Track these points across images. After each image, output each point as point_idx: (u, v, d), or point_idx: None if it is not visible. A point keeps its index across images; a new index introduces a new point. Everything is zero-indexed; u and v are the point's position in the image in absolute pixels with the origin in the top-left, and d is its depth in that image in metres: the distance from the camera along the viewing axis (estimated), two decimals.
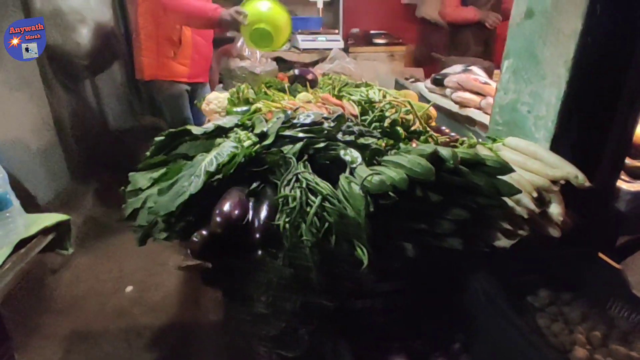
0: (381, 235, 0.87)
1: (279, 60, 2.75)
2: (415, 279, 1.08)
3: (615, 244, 1.31)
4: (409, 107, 1.42)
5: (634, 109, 1.16)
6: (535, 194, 0.99)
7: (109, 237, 2.33)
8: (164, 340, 1.77)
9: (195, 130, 1.23)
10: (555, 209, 1.00)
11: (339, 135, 1.12)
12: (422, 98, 2.48)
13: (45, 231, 1.28)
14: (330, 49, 2.63)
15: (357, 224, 0.79)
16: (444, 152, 0.89)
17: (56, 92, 2.43)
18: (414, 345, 1.03)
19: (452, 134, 1.55)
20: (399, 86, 3.06)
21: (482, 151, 1.19)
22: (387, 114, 1.37)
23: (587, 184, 1.00)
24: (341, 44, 2.89)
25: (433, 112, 1.68)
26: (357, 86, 1.91)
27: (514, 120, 1.30)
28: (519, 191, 0.92)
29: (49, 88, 2.36)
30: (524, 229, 1.00)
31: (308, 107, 1.44)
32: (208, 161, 1.03)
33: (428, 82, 2.49)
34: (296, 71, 2.04)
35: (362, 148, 1.09)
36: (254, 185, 1.01)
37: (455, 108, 2.08)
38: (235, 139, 1.14)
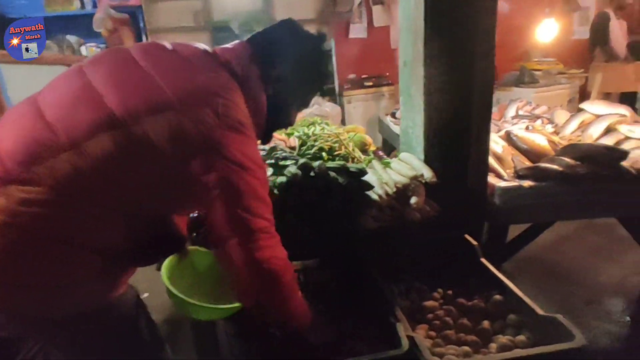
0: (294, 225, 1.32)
1: None
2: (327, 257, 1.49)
3: (483, 228, 1.64)
4: (336, 138, 1.88)
5: (484, 123, 1.55)
6: (394, 189, 1.39)
7: None
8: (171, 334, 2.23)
9: None
10: (413, 200, 1.39)
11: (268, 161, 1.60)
12: (390, 129, 2.95)
13: None
14: None
15: None
16: (315, 163, 1.34)
17: None
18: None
19: (384, 156, 1.98)
20: (381, 122, 3.53)
21: (375, 164, 1.62)
22: (316, 144, 1.83)
23: (434, 180, 1.39)
24: None
25: (368, 139, 2.12)
26: (311, 124, 2.39)
27: (408, 139, 1.72)
28: (372, 186, 1.34)
29: None
30: (388, 214, 1.39)
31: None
32: None
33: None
34: None
35: (282, 168, 1.55)
36: None
37: None
38: None
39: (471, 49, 1.43)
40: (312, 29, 1.05)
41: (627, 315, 1.99)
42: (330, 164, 1.39)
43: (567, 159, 1.64)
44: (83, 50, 3.98)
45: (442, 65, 1.46)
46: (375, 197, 1.39)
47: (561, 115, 2.50)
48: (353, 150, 1.94)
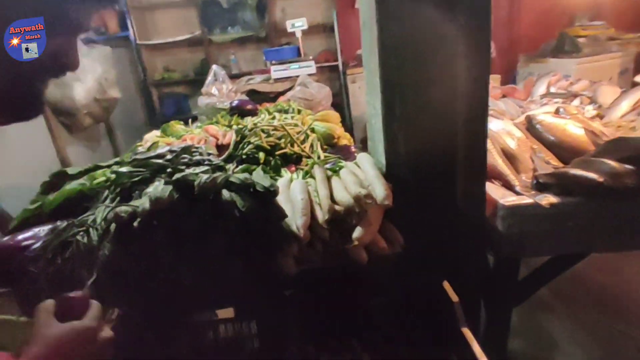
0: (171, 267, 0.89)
1: (252, 92, 2.86)
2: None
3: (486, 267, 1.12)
4: (282, 132, 1.40)
5: (477, 104, 1.01)
6: (327, 216, 0.91)
7: None
8: None
9: (71, 170, 1.35)
10: (356, 233, 0.91)
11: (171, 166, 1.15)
12: None
13: None
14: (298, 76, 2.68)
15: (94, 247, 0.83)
16: (203, 178, 0.88)
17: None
18: None
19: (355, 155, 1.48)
20: None
21: (317, 172, 1.13)
22: (253, 140, 1.36)
23: (386, 202, 0.90)
24: (312, 70, 2.93)
25: (337, 131, 1.62)
26: (281, 111, 1.92)
27: (371, 133, 1.21)
28: (285, 215, 0.87)
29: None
30: (318, 253, 0.92)
31: (193, 139, 1.50)
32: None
33: None
34: (234, 102, 2.11)
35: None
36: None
37: None
38: (90, 177, 1.24)
39: None
40: None
41: None
42: (232, 178, 0.92)
43: (610, 162, 1.08)
44: None
45: (402, 19, 0.94)
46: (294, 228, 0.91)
47: (607, 93, 1.87)
48: (312, 146, 1.46)
